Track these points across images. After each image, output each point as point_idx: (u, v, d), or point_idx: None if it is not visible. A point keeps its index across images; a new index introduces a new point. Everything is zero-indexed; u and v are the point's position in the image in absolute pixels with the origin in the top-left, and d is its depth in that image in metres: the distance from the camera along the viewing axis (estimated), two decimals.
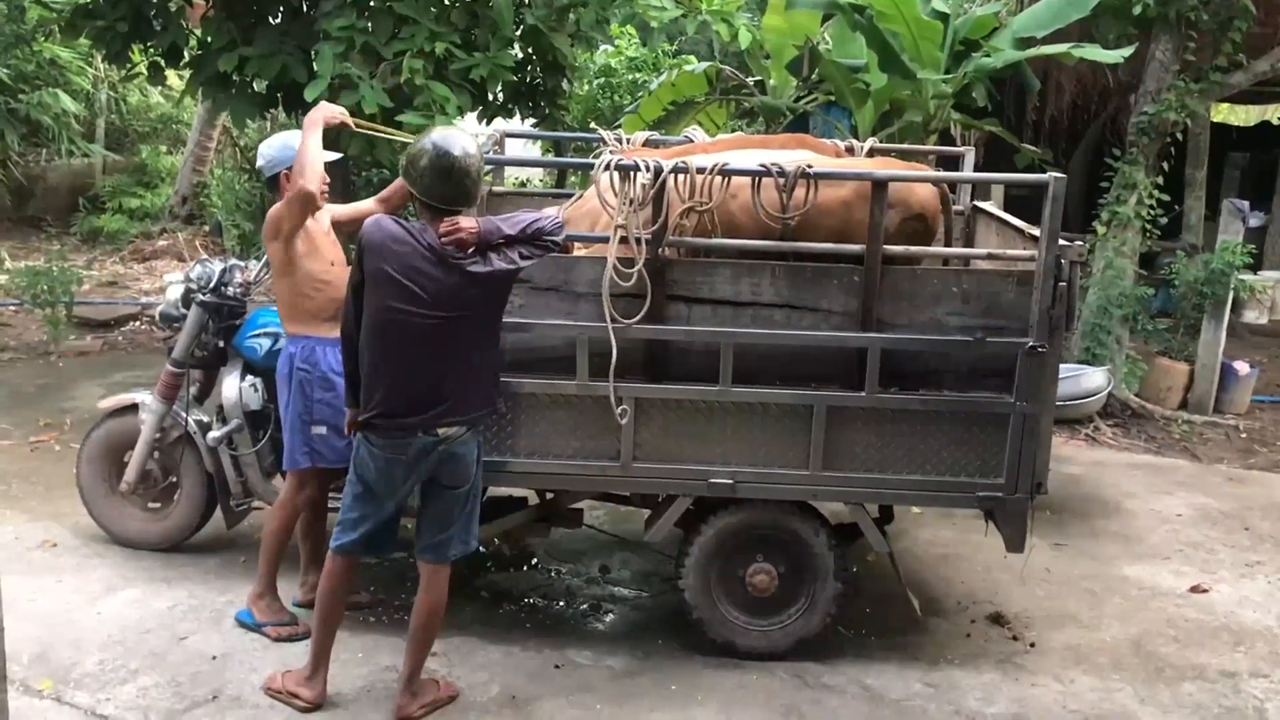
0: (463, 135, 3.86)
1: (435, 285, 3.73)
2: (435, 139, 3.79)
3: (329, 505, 4.86)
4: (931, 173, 5.10)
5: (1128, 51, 7.67)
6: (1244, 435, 8.39)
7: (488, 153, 5.39)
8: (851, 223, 4.45)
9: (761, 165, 4.34)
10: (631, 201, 4.23)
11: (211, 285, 5.04)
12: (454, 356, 3.82)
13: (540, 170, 14.04)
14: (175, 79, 9.98)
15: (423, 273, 3.73)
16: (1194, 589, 5.61)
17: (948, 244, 4.99)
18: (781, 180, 4.30)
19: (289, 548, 4.75)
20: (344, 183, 8.40)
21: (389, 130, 5.06)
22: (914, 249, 4.45)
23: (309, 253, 4.45)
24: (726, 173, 4.33)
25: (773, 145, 4.98)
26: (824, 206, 4.39)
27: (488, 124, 8.28)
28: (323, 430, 4.51)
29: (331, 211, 4.68)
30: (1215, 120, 12.02)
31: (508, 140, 6.21)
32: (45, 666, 4.32)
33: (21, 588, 4.82)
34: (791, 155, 4.57)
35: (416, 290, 3.72)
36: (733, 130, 10.92)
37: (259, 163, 4.56)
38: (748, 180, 4.38)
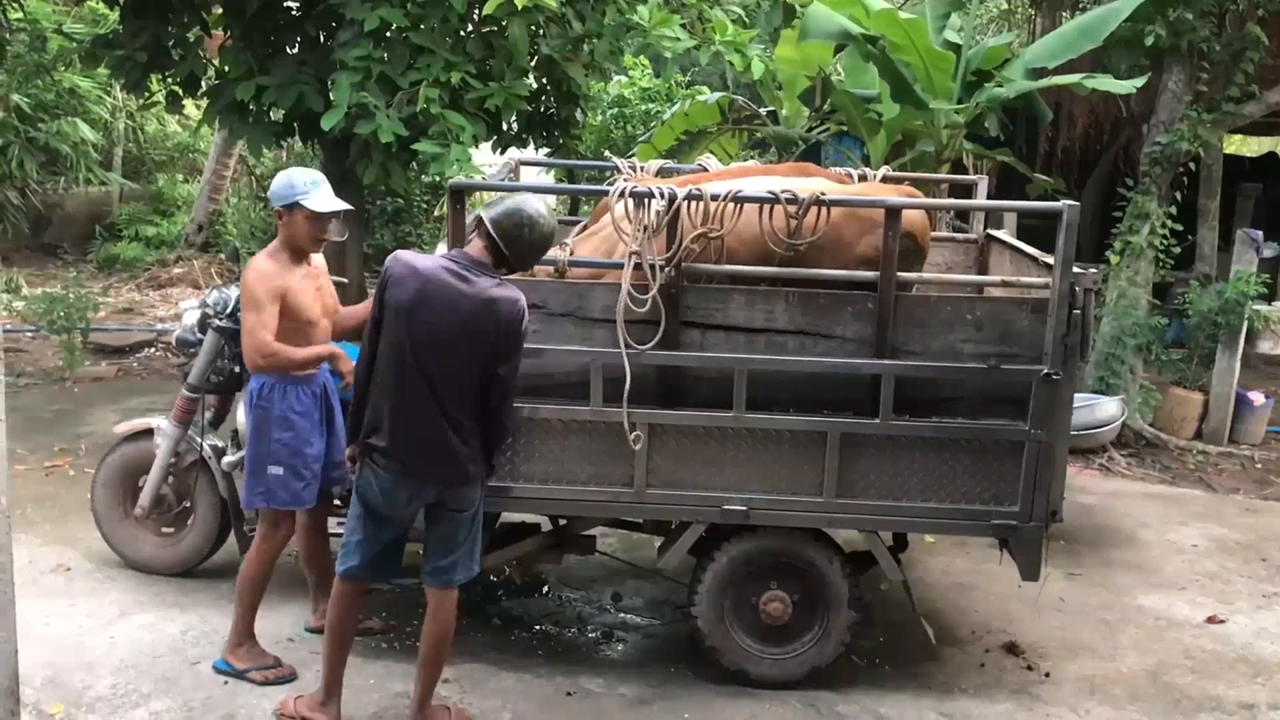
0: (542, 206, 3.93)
1: (460, 302, 3.73)
2: (529, 212, 3.85)
3: (329, 531, 4.90)
4: (935, 199, 5.11)
5: (1140, 82, 7.69)
6: (1259, 466, 8.34)
7: (502, 180, 5.45)
8: (841, 244, 4.46)
9: (770, 192, 4.36)
10: (646, 228, 4.25)
11: (227, 310, 5.06)
12: (454, 402, 3.80)
13: (554, 198, 14.12)
14: (193, 108, 10.07)
15: (446, 286, 3.74)
16: (1210, 619, 5.57)
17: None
18: (793, 208, 4.33)
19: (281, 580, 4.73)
20: (358, 212, 8.45)
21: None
22: (928, 275, 4.46)
23: (285, 310, 4.40)
24: (739, 199, 4.35)
25: (777, 173, 5.01)
26: (809, 228, 4.40)
27: (502, 153, 8.33)
28: (279, 471, 4.41)
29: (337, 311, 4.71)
30: (1228, 151, 12.02)
31: (522, 169, 6.25)
32: (58, 690, 4.32)
33: (35, 611, 4.82)
34: (800, 183, 4.60)
35: (436, 307, 3.73)
36: (745, 160, 10.96)
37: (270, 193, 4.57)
38: (750, 207, 4.40)
